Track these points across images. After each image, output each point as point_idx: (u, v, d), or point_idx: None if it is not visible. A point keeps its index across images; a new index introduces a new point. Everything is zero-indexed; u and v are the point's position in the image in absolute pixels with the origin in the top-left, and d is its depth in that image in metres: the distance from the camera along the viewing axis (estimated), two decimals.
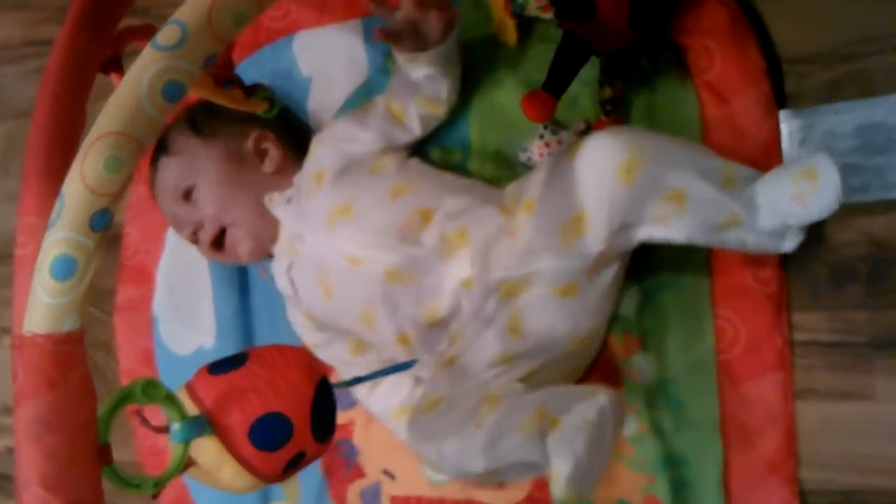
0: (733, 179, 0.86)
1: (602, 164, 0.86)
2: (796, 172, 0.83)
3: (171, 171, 1.11)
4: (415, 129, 1.08)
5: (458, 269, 0.94)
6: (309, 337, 1.13)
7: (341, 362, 1.11)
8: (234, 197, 1.08)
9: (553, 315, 0.94)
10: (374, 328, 1.00)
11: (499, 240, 0.93)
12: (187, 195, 1.09)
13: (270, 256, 1.11)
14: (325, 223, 1.01)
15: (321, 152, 1.08)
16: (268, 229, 1.08)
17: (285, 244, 1.07)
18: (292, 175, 1.10)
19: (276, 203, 1.08)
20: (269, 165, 1.11)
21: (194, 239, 1.11)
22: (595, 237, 0.88)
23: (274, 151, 1.11)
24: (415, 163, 1.09)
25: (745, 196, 0.85)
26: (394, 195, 1.00)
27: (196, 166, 1.09)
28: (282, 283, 1.08)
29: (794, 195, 0.83)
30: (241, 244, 1.09)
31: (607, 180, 0.86)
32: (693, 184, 0.85)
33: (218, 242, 1.10)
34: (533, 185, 0.94)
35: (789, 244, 0.88)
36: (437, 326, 0.97)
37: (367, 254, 0.97)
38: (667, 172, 0.85)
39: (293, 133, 1.16)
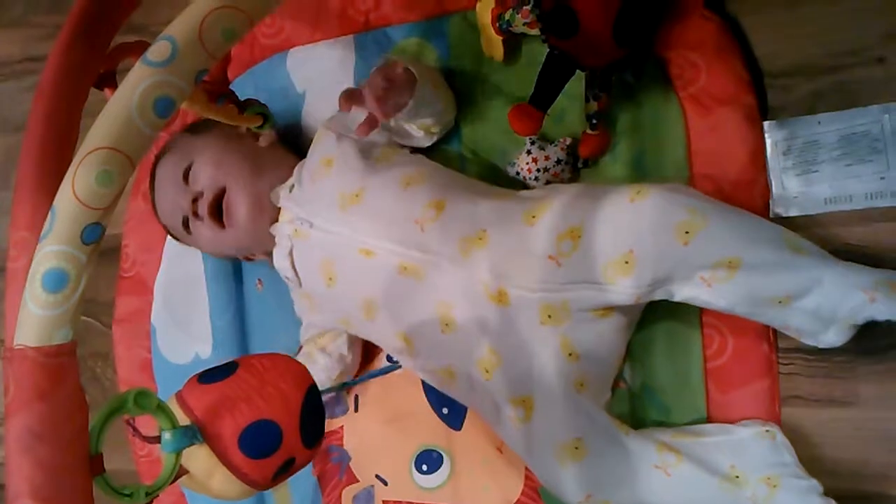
0: (801, 249, 0.86)
1: (661, 219, 0.86)
2: (882, 279, 0.84)
3: (169, 163, 1.12)
4: (423, 142, 1.11)
5: (475, 273, 0.94)
6: (306, 318, 1.15)
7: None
8: (230, 160, 1.09)
9: (602, 333, 0.95)
10: (374, 320, 1.01)
11: (522, 250, 0.93)
12: (186, 176, 1.10)
13: (265, 242, 1.11)
14: (336, 207, 1.02)
15: (328, 140, 1.09)
16: (266, 195, 1.09)
17: (287, 228, 1.07)
18: (290, 163, 1.11)
19: (280, 196, 1.09)
20: (263, 140, 1.14)
21: (195, 211, 1.09)
22: (639, 282, 0.88)
23: (267, 132, 1.13)
24: (421, 157, 1.11)
25: (811, 270, 0.85)
26: (405, 184, 1.00)
27: (192, 150, 1.11)
28: (283, 265, 1.08)
29: (867, 290, 0.83)
30: (239, 204, 1.08)
31: (662, 236, 0.86)
32: (750, 253, 0.84)
33: (218, 212, 1.09)
34: (575, 209, 0.92)
35: (832, 338, 0.88)
36: (450, 334, 0.97)
37: (381, 245, 0.98)
38: (724, 240, 0.85)
39: (286, 131, 1.21)
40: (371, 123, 0.98)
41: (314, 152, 1.10)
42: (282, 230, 1.08)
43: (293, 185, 1.08)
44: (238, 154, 1.11)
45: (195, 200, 1.09)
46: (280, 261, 1.08)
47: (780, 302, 0.86)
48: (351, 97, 0.98)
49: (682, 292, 0.89)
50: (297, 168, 1.10)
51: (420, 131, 1.09)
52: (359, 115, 1.01)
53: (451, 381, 1.02)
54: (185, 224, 1.13)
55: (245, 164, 1.10)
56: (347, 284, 1.02)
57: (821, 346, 0.90)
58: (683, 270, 0.87)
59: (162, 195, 1.15)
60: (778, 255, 0.85)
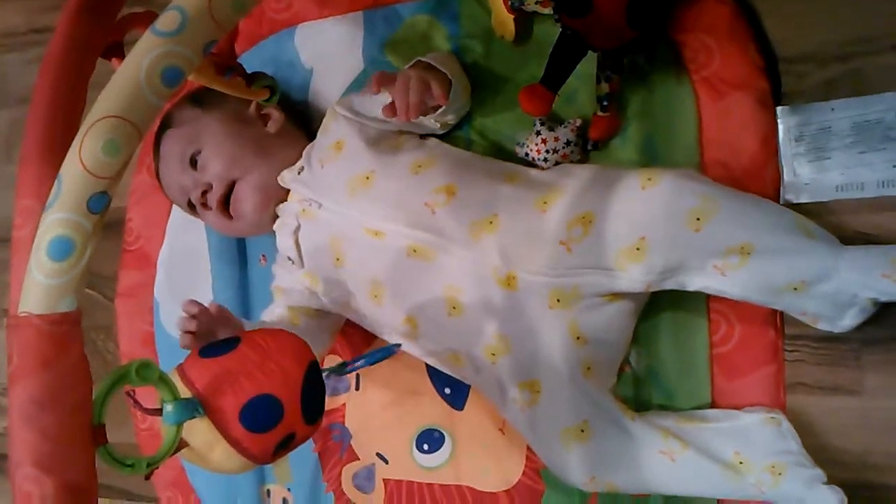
0: (814, 234, 0.86)
1: (672, 205, 0.86)
2: None
3: (176, 141, 1.11)
4: (438, 131, 1.10)
5: (485, 257, 0.94)
6: (285, 282, 1.12)
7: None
8: (240, 152, 1.08)
9: (610, 317, 0.95)
10: (380, 303, 1.01)
11: (533, 236, 0.93)
12: (193, 162, 1.09)
13: (273, 223, 1.11)
14: (345, 190, 1.01)
15: (338, 123, 1.08)
16: (274, 185, 1.08)
17: (295, 207, 1.06)
18: (299, 146, 1.11)
19: (288, 179, 1.08)
20: (272, 126, 1.13)
21: (203, 202, 1.09)
22: (649, 269, 0.88)
23: (276, 114, 1.13)
24: (433, 141, 1.10)
25: (825, 255, 0.85)
26: (415, 170, 1.00)
27: (200, 132, 1.10)
28: (286, 244, 1.08)
29: (888, 273, 0.83)
30: (248, 199, 1.08)
31: (674, 223, 0.86)
32: (762, 238, 0.84)
33: (226, 203, 1.09)
34: (587, 196, 0.93)
35: (848, 322, 0.89)
36: (457, 317, 0.96)
37: (389, 227, 0.97)
38: (735, 226, 0.85)
39: (294, 108, 1.19)
40: (394, 111, 0.98)
41: (324, 135, 1.10)
42: (289, 209, 1.07)
43: (302, 168, 1.08)
44: (247, 143, 1.09)
45: (204, 192, 1.09)
46: (284, 240, 1.08)
47: (795, 289, 0.85)
48: (384, 82, 0.97)
49: (695, 282, 0.88)
50: (306, 150, 1.10)
51: (437, 123, 1.08)
52: (384, 97, 1.00)
53: (457, 365, 1.02)
54: (191, 205, 1.12)
55: (254, 155, 1.09)
56: (355, 264, 1.01)
57: (836, 330, 0.90)
58: (695, 259, 0.86)
59: (167, 173, 1.14)
60: (790, 240, 0.85)
